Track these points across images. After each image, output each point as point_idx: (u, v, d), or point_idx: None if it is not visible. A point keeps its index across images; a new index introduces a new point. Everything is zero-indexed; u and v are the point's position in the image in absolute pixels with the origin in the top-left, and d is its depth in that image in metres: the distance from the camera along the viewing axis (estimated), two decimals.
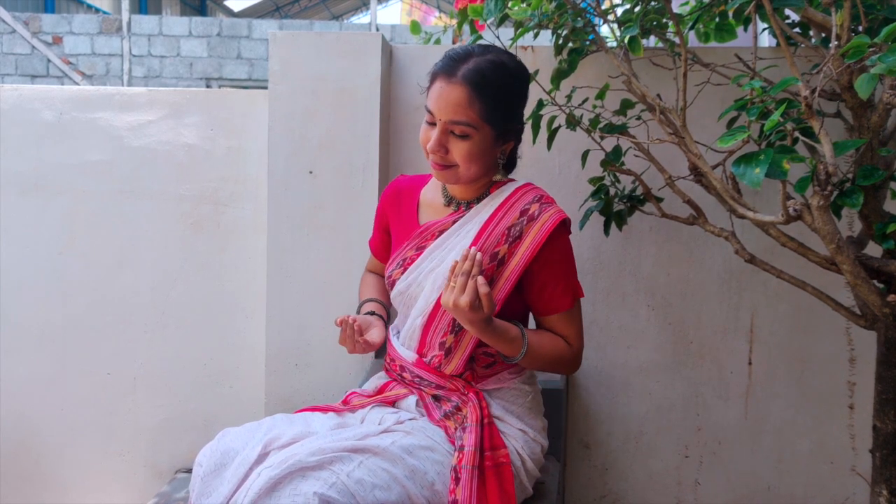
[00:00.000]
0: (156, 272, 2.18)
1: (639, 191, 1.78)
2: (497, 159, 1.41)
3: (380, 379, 1.58)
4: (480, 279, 1.23)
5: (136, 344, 2.20)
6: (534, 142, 1.68)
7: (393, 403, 1.50)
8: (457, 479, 1.32)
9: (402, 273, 1.47)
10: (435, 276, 1.41)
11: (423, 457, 1.34)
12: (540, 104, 1.65)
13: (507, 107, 1.36)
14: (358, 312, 1.59)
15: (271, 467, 1.24)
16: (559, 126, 1.66)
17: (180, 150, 2.15)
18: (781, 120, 1.14)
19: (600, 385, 1.98)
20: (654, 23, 1.42)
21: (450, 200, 1.47)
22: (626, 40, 1.37)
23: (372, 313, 1.56)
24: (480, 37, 1.58)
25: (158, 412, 2.22)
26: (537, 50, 1.90)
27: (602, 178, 1.80)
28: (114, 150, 2.17)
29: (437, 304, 1.41)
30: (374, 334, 1.47)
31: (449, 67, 1.32)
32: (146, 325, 2.20)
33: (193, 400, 2.20)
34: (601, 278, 1.97)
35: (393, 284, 1.49)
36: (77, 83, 9.36)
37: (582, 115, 1.66)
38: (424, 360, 1.46)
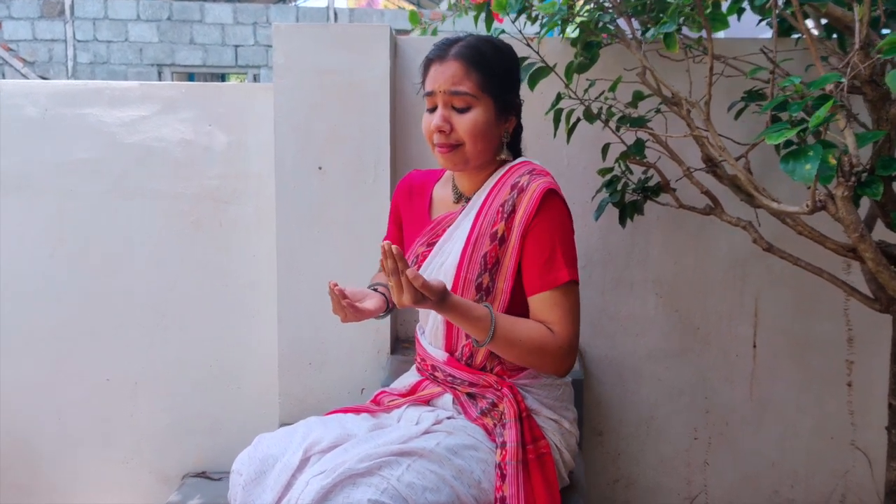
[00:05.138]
0: (154, 273, 2.12)
1: (652, 182, 1.81)
2: (501, 138, 1.40)
3: (412, 377, 1.57)
4: (409, 271, 1.17)
5: (136, 348, 2.14)
6: (554, 135, 1.69)
7: (428, 402, 1.50)
8: (503, 476, 1.34)
9: (418, 270, 1.46)
10: (445, 269, 1.41)
11: (467, 456, 1.34)
12: (558, 97, 1.66)
13: (502, 77, 1.36)
14: None
15: (321, 475, 1.22)
16: (578, 119, 1.67)
17: (176, 147, 2.09)
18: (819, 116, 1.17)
19: (611, 374, 2.02)
20: (684, 18, 1.44)
21: (459, 197, 1.47)
22: (661, 35, 1.38)
23: (374, 289, 1.52)
24: (503, 30, 1.57)
25: (162, 417, 2.16)
26: (545, 41, 1.89)
27: (611, 170, 1.82)
28: (104, 147, 2.09)
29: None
30: (368, 303, 1.44)
31: (441, 50, 1.36)
32: (145, 329, 2.14)
33: (199, 403, 2.16)
34: (610, 268, 2.00)
35: None
36: (19, 70, 8.94)
37: (601, 109, 1.67)
38: (455, 356, 1.46)
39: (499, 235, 1.36)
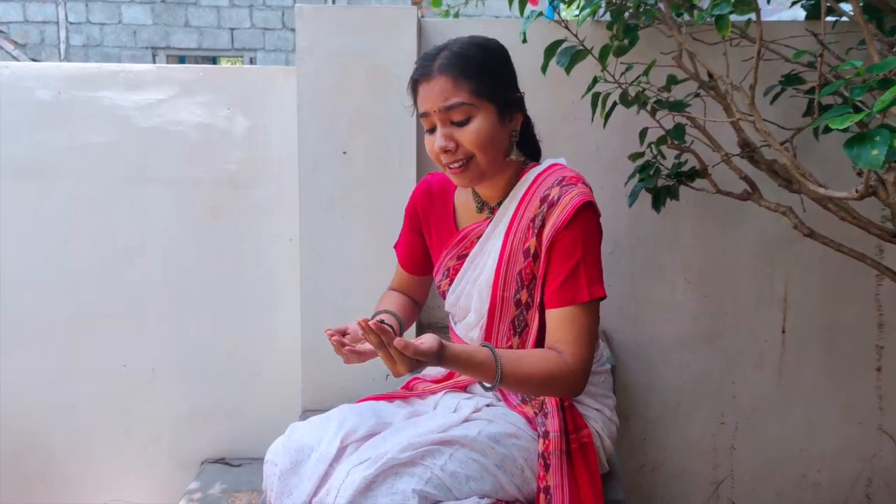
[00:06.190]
0: (171, 260, 2.08)
1: (686, 167, 1.78)
2: (510, 139, 1.33)
3: None
4: (397, 341, 1.08)
5: (153, 335, 2.11)
6: (591, 119, 1.65)
7: (465, 388, 1.48)
8: (546, 466, 1.32)
9: (450, 284, 1.43)
10: (480, 285, 1.37)
11: (509, 444, 1.32)
12: (594, 81, 1.63)
13: (495, 77, 1.28)
14: None
15: (363, 465, 1.20)
16: (615, 103, 1.64)
17: (194, 131, 2.04)
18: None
19: (639, 359, 2.00)
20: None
21: (482, 206, 1.40)
22: (713, 17, 1.34)
23: (380, 322, 1.46)
24: (541, 13, 1.53)
25: (180, 404, 2.13)
26: (572, 24, 1.85)
27: (642, 155, 1.79)
28: (120, 131, 2.04)
29: (491, 314, 1.37)
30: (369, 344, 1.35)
31: (424, 68, 1.27)
32: (163, 316, 2.10)
33: (218, 390, 2.13)
34: (639, 253, 1.97)
35: (444, 296, 1.46)
36: (10, 53, 8.77)
37: (640, 92, 1.64)
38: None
39: (532, 252, 1.31)
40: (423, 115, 1.28)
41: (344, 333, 1.32)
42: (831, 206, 1.53)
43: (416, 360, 1.11)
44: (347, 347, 1.28)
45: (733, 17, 1.79)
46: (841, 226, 1.63)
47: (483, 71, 1.26)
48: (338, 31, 1.84)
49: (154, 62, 9.08)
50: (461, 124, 1.25)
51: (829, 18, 1.87)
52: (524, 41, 1.52)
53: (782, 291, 1.98)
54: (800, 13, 2.01)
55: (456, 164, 1.28)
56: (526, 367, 1.21)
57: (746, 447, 2.04)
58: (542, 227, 1.29)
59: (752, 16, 1.48)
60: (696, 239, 1.97)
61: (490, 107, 1.26)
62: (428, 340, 1.12)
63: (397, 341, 1.08)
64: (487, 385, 1.20)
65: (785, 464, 2.05)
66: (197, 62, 9.52)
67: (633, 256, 1.97)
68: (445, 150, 1.26)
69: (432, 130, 1.28)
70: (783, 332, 1.99)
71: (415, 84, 1.29)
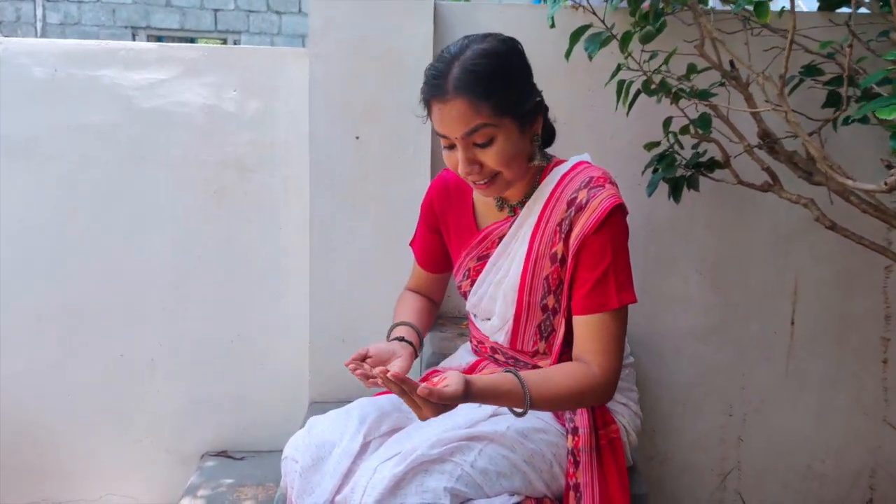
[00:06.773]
0: (173, 246, 2.02)
1: (705, 157, 1.76)
2: (533, 144, 1.28)
3: (468, 357, 1.52)
4: (421, 389, 1.05)
5: (153, 324, 2.05)
6: (616, 108, 1.63)
7: None
8: (576, 463, 1.30)
9: (472, 286, 1.40)
10: (504, 289, 1.34)
11: (537, 439, 1.30)
12: (618, 68, 1.60)
13: (513, 88, 1.21)
14: (388, 336, 1.42)
15: (391, 462, 1.17)
16: (639, 91, 1.61)
17: (199, 113, 1.98)
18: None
19: (651, 352, 1.99)
20: None
21: (503, 204, 1.36)
22: (752, 5, 1.32)
23: (401, 339, 1.38)
24: None
25: (181, 395, 2.08)
26: (600, 11, 1.82)
27: (658, 144, 1.77)
28: (120, 111, 1.97)
29: (517, 319, 1.35)
30: (396, 365, 1.28)
31: (437, 88, 1.19)
32: (163, 304, 2.04)
33: (220, 381, 2.08)
34: (652, 245, 1.96)
35: (465, 296, 1.43)
36: None
37: (663, 80, 1.61)
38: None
39: (559, 257, 1.28)
40: (440, 135, 1.23)
41: (364, 358, 1.26)
42: (853, 199, 1.53)
43: (443, 405, 1.08)
44: (371, 380, 1.20)
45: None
46: (849, 218, 1.64)
47: (500, 86, 1.19)
48: (352, 14, 1.79)
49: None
50: (483, 145, 1.20)
51: (845, 10, 1.86)
52: (552, 26, 1.49)
53: (792, 283, 1.98)
54: (810, 3, 2.01)
55: (482, 182, 1.24)
56: (554, 388, 1.18)
57: (754, 438, 2.05)
58: (570, 231, 1.26)
59: (781, 4, 1.47)
60: (711, 230, 1.96)
61: (511, 122, 1.20)
62: (453, 383, 1.08)
63: (420, 390, 1.04)
64: (518, 411, 1.17)
65: (791, 455, 2.06)
66: (176, 43, 9.31)
67: (647, 248, 1.95)
68: (469, 173, 1.22)
69: (451, 147, 1.23)
70: (792, 323, 2.00)
71: (427, 102, 1.23)
